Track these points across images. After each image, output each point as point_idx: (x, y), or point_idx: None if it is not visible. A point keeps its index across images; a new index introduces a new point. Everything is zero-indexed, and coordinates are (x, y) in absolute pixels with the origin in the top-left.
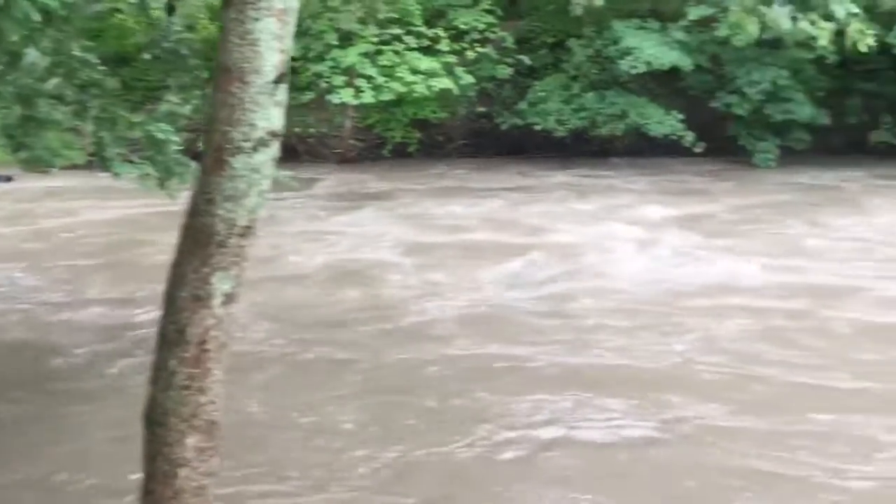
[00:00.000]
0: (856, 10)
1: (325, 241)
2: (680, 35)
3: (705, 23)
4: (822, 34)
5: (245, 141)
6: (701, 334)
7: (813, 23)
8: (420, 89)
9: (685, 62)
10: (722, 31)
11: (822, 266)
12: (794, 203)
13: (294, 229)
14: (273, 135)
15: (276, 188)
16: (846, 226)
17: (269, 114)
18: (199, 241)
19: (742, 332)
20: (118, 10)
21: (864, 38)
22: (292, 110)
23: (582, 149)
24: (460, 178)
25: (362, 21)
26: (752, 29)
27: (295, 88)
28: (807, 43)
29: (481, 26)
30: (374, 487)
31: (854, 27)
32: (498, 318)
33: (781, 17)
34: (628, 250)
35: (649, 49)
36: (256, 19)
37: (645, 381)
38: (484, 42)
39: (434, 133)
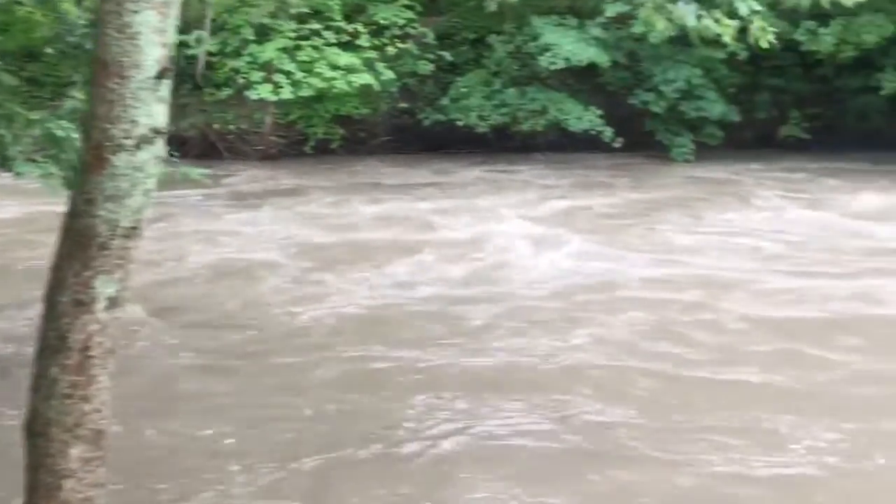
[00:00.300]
0: (758, 7)
1: (216, 242)
2: (597, 32)
3: (622, 20)
4: (726, 31)
5: (126, 138)
6: (597, 330)
7: (717, 20)
8: (340, 85)
9: (602, 59)
10: (637, 28)
11: (712, 262)
12: (694, 198)
13: (188, 228)
14: (157, 132)
15: (186, 185)
16: (738, 220)
17: (151, 110)
18: (80, 243)
19: (637, 328)
20: (20, 3)
21: (766, 35)
22: (211, 106)
23: (505, 145)
24: (377, 174)
25: (273, 15)
26: (661, 25)
27: (213, 84)
28: (717, 41)
29: (401, 22)
30: None
31: (756, 24)
32: (387, 319)
33: (687, 14)
34: (524, 247)
35: (568, 45)
36: (135, 12)
37: (542, 381)
38: (405, 38)
39: (356, 129)
